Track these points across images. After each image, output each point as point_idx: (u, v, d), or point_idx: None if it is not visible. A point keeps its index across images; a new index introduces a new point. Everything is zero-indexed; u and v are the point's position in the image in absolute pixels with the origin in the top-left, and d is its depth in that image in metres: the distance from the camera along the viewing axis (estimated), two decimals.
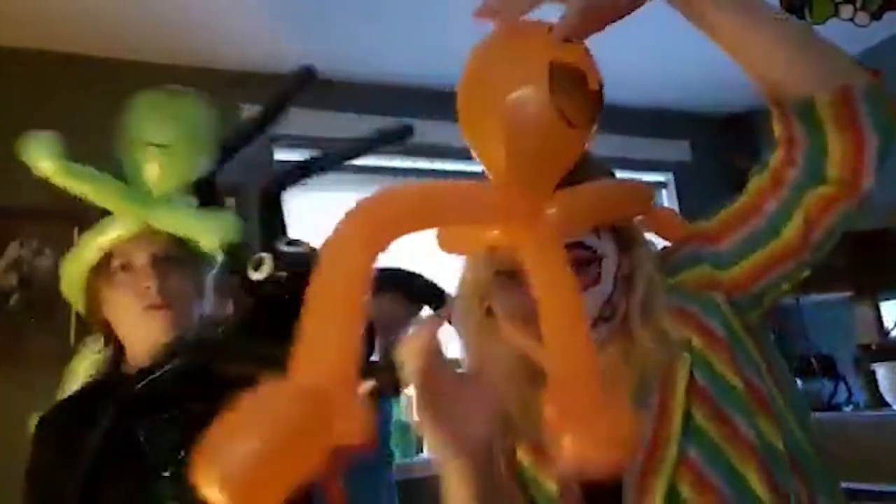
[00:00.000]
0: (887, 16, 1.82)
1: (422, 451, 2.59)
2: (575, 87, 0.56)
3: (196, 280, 1.12)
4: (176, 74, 2.49)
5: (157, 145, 1.07)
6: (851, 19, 1.78)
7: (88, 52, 2.39)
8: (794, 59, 0.66)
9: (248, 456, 0.39)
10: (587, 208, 0.64)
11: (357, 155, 1.21)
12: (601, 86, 0.58)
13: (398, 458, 2.33)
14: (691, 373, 0.71)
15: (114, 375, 1.10)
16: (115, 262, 1.06)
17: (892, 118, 0.67)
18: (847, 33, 1.92)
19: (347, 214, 0.50)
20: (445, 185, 0.57)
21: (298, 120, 1.86)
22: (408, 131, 1.19)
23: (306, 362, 0.44)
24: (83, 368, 1.32)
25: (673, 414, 0.70)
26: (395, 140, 1.21)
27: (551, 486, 0.77)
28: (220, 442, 0.40)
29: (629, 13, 0.57)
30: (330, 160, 1.20)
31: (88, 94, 2.39)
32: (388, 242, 0.50)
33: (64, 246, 2.24)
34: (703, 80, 2.84)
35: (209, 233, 1.07)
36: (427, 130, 2.66)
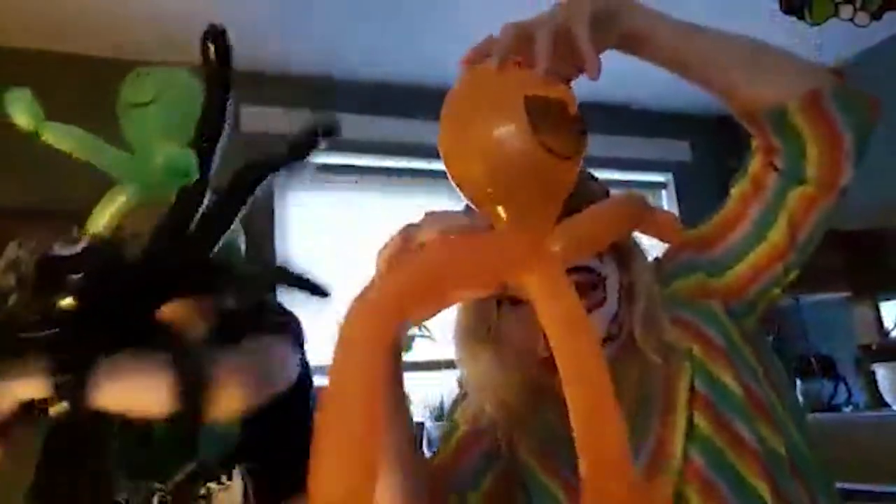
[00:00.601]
0: (887, 16, 1.82)
1: (421, 448, 2.59)
2: (556, 118, 0.55)
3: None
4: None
5: (136, 104, 1.11)
6: (851, 19, 1.78)
7: (88, 52, 2.40)
8: (754, 75, 0.68)
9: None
10: (589, 237, 0.62)
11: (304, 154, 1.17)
12: (582, 114, 0.56)
13: None
14: (692, 381, 0.72)
15: None
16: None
17: (862, 114, 0.69)
18: (847, 33, 1.92)
19: (351, 312, 0.46)
20: (443, 253, 0.53)
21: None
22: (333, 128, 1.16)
23: (326, 485, 0.40)
24: None
25: (676, 421, 0.71)
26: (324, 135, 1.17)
27: (555, 490, 0.77)
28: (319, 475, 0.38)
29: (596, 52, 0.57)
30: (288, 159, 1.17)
31: (88, 95, 2.39)
32: (397, 336, 0.47)
33: None
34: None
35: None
36: (427, 131, 2.68)
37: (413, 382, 2.28)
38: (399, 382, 0.68)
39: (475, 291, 0.64)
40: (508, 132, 0.54)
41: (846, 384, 2.67)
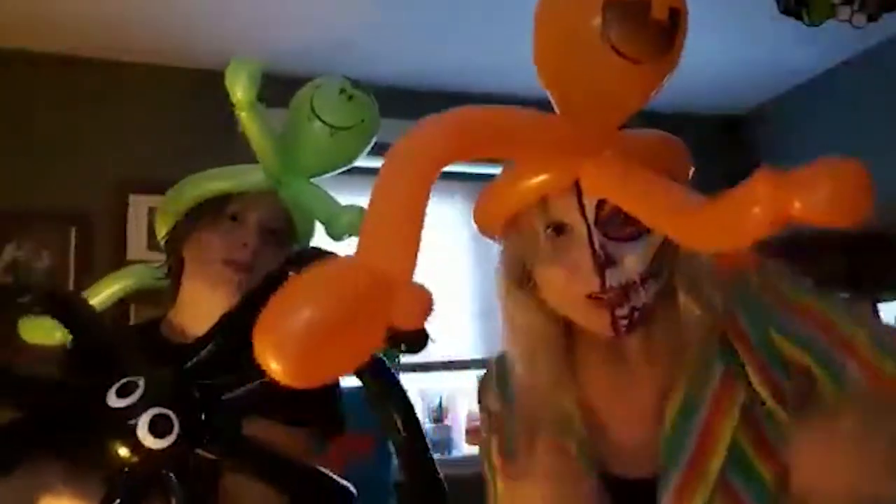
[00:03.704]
0: (884, 18, 1.82)
1: None
2: (632, 18, 0.53)
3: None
4: (181, 76, 2.49)
5: (329, 125, 1.09)
6: (849, 21, 1.78)
7: (89, 53, 2.39)
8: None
9: (307, 324, 0.38)
10: (641, 151, 0.64)
11: None
12: (677, 14, 0.54)
13: (396, 461, 2.32)
14: (749, 404, 0.69)
15: (154, 332, 1.07)
16: (230, 208, 1.05)
17: None
18: (844, 35, 1.92)
19: (424, 123, 0.50)
20: (515, 114, 0.57)
21: None
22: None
23: (371, 246, 0.45)
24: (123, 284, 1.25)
25: (719, 436, 0.68)
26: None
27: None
28: (279, 310, 0.39)
29: None
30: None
31: (89, 96, 2.39)
32: (456, 158, 0.51)
33: (60, 248, 2.24)
34: (703, 80, 2.84)
35: (339, 219, 1.07)
36: None
37: (413, 383, 2.27)
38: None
39: (520, 192, 0.68)
40: (580, 24, 0.54)
41: None
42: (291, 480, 0.72)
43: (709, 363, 0.71)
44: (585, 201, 0.69)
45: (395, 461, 2.14)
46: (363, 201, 1.02)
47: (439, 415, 2.69)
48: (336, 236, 1.09)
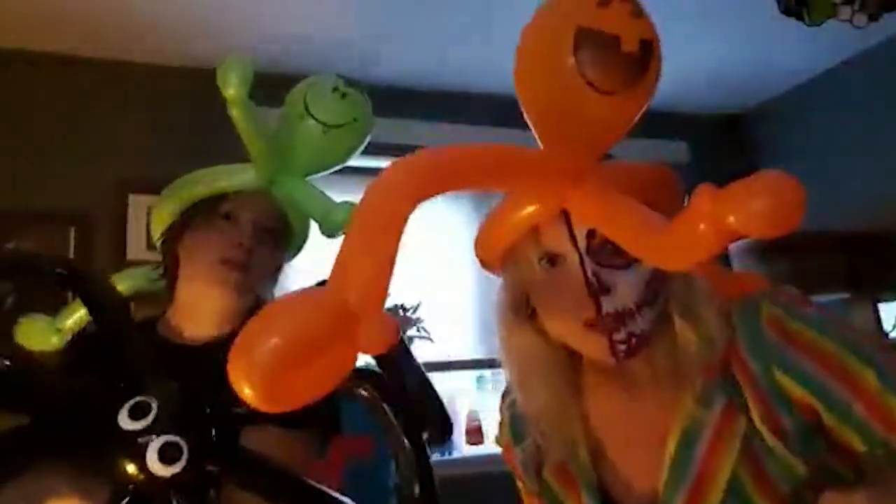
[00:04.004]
0: (885, 18, 1.82)
1: None
2: (603, 53, 0.55)
3: (278, 260, 1.12)
4: (181, 76, 2.49)
5: (322, 123, 1.09)
6: (850, 20, 1.77)
7: (88, 53, 2.39)
8: None
9: (272, 351, 0.41)
10: (623, 181, 0.66)
11: None
12: (648, 45, 0.56)
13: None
14: (749, 438, 0.69)
15: (151, 331, 1.06)
16: (223, 207, 1.05)
17: None
18: (844, 35, 1.92)
19: (395, 163, 0.53)
20: (489, 148, 0.59)
21: None
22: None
23: (340, 277, 0.47)
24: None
25: (719, 469, 0.69)
26: None
27: None
28: (249, 337, 0.43)
29: None
30: None
31: (88, 96, 2.38)
32: (430, 194, 0.53)
33: (59, 249, 2.23)
34: (703, 80, 2.84)
35: (334, 216, 1.07)
36: (426, 131, 2.67)
37: None
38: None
39: (513, 224, 0.71)
40: (555, 59, 0.56)
41: None
42: (291, 496, 0.71)
43: (710, 393, 0.71)
44: (576, 231, 0.70)
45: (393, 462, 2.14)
46: (357, 200, 1.05)
47: None
48: (331, 234, 1.09)
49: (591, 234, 0.70)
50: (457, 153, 0.56)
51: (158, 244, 1.12)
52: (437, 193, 0.54)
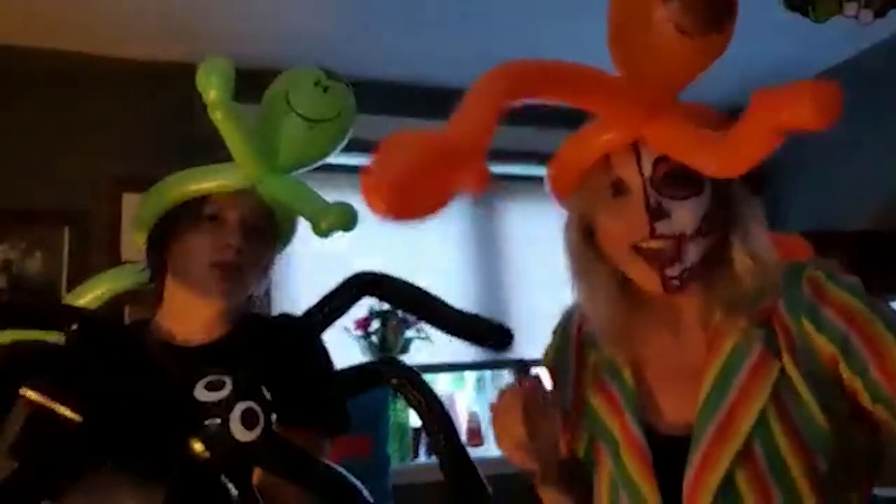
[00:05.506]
0: (891, 14, 1.79)
1: (417, 456, 2.57)
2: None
3: (267, 257, 1.10)
4: (177, 74, 2.46)
5: (306, 118, 1.08)
6: (855, 17, 1.75)
7: (84, 51, 2.37)
8: None
9: (397, 167, 0.54)
10: (696, 116, 0.75)
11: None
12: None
13: (394, 463, 2.31)
14: (780, 383, 0.73)
15: (144, 334, 1.05)
16: (208, 209, 1.03)
17: None
18: (850, 31, 1.89)
19: (497, 66, 0.65)
20: (576, 65, 0.70)
21: None
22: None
23: (454, 124, 0.60)
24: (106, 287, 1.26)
25: (750, 405, 0.73)
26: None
27: (616, 431, 0.82)
28: (379, 158, 0.55)
29: None
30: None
31: (88, 94, 2.37)
32: (520, 95, 0.65)
33: (53, 248, 2.21)
34: (704, 78, 2.81)
35: (326, 216, 1.07)
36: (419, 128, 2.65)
37: None
38: None
39: (587, 148, 0.80)
40: (646, 3, 0.65)
41: None
42: (321, 482, 0.79)
43: (750, 337, 0.76)
44: (644, 160, 0.78)
45: (391, 466, 2.12)
46: (344, 199, 1.04)
47: None
48: (323, 233, 1.07)
49: (657, 166, 0.77)
50: (548, 65, 0.68)
51: (144, 248, 1.10)
52: (527, 96, 0.65)
